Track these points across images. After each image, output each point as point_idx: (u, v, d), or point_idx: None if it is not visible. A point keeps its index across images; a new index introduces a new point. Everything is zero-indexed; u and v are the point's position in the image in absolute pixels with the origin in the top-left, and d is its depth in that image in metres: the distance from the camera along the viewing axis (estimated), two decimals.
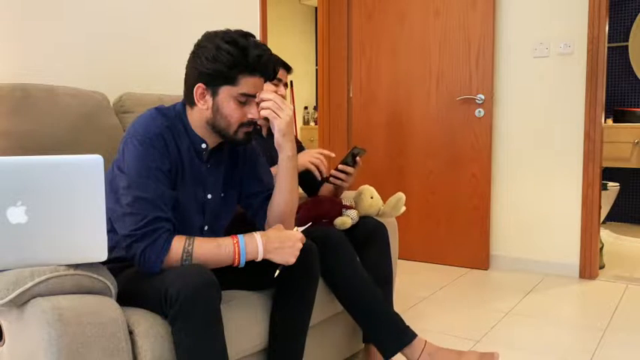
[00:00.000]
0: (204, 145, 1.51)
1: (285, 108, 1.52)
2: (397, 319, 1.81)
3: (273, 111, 1.50)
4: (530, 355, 2.17)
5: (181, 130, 1.48)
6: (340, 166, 2.00)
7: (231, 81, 1.42)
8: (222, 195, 1.60)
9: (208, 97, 1.45)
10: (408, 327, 1.80)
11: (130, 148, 1.38)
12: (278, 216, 1.59)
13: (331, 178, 2.03)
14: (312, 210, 2.00)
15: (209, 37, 1.44)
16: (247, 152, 1.65)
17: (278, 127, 1.53)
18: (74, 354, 1.11)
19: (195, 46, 1.46)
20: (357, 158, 2.01)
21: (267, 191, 1.63)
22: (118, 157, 1.41)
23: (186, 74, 1.48)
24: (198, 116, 1.48)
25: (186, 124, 1.49)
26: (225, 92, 1.43)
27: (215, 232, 1.59)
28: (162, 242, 1.33)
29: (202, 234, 1.55)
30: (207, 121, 1.47)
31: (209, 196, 1.55)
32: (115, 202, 1.38)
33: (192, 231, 1.50)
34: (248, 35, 1.46)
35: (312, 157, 1.98)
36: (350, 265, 1.81)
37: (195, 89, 1.44)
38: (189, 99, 1.48)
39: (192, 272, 1.28)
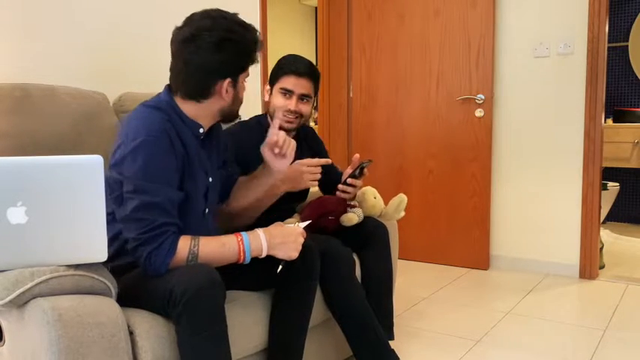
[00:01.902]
0: (201, 130, 1.50)
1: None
2: (383, 342, 1.82)
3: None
4: (530, 355, 2.17)
5: (178, 121, 1.45)
6: (350, 180, 1.98)
7: (244, 69, 1.50)
8: (218, 175, 1.63)
9: (230, 89, 1.48)
10: (392, 350, 1.83)
11: (135, 150, 1.33)
12: (241, 212, 1.74)
13: (338, 193, 2.01)
14: (318, 208, 2.00)
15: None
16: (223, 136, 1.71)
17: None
18: (74, 354, 1.11)
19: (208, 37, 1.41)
20: (365, 170, 2.01)
21: (233, 176, 1.74)
22: (117, 159, 1.37)
23: (203, 68, 1.42)
24: (207, 108, 1.48)
25: (179, 112, 1.47)
26: (242, 79, 1.51)
27: (213, 213, 1.61)
28: (169, 245, 1.33)
29: (204, 217, 1.55)
30: (221, 110, 1.50)
31: (210, 179, 1.56)
32: (118, 206, 1.37)
33: (196, 218, 1.50)
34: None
35: (308, 176, 1.83)
36: (346, 282, 1.81)
37: (221, 83, 1.45)
38: (202, 94, 1.45)
39: (197, 271, 1.28)
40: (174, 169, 1.39)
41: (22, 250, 1.14)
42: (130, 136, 1.36)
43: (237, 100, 1.52)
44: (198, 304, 1.24)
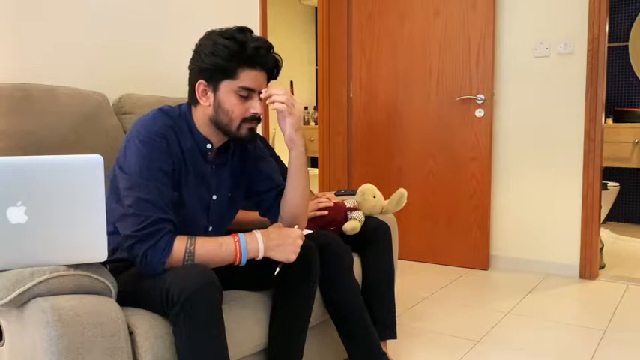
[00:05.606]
0: (209, 146, 1.50)
1: (296, 103, 1.52)
2: (376, 343, 1.81)
3: (288, 106, 1.49)
4: (530, 355, 2.17)
5: (185, 130, 1.48)
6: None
7: (231, 74, 1.42)
8: (230, 195, 1.60)
9: (210, 94, 1.45)
10: (384, 353, 1.82)
11: (132, 148, 1.38)
12: (292, 212, 1.59)
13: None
14: (318, 220, 1.99)
15: (208, 35, 1.46)
16: (256, 152, 1.65)
17: (291, 122, 1.51)
18: (74, 354, 1.11)
19: (196, 45, 1.47)
20: None
21: (277, 188, 1.63)
22: (120, 157, 1.41)
23: (189, 74, 1.49)
24: (201, 114, 1.48)
25: (190, 124, 1.49)
26: (226, 87, 1.43)
27: (219, 233, 1.60)
28: (164, 243, 1.33)
29: (207, 234, 1.55)
30: (210, 119, 1.47)
31: (214, 197, 1.55)
32: (116, 202, 1.38)
33: (196, 231, 1.50)
34: (246, 30, 1.47)
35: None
36: (344, 277, 1.80)
37: (197, 86, 1.45)
38: (192, 97, 1.49)
39: (193, 272, 1.28)
40: (169, 171, 1.41)
41: (22, 250, 1.14)
42: (132, 135, 1.41)
43: (221, 110, 1.44)
44: (195, 305, 1.24)
